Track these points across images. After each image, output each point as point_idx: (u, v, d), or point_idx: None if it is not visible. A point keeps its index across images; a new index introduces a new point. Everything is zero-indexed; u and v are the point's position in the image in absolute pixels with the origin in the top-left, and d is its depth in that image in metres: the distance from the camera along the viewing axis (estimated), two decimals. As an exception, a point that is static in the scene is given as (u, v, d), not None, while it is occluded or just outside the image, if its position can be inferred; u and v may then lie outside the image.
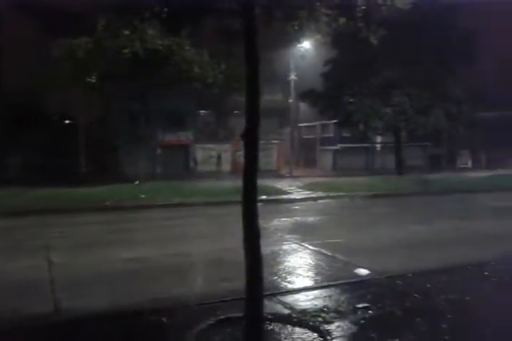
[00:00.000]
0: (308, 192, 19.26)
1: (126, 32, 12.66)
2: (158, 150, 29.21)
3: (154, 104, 24.65)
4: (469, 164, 48.51)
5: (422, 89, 23.22)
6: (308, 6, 4.93)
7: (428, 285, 5.83)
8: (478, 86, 30.83)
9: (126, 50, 17.37)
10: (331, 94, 25.73)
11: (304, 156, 48.43)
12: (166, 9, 5.15)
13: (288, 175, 33.27)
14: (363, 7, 4.85)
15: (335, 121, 30.69)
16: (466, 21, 25.00)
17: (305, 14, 5.23)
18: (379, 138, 38.41)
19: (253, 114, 4.58)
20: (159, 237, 10.10)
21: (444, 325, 4.53)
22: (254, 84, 4.61)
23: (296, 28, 5.44)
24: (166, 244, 9.27)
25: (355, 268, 7.11)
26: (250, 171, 4.46)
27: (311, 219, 13.45)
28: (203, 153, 34.89)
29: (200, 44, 18.92)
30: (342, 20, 5.18)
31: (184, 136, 33.39)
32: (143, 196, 16.64)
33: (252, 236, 4.33)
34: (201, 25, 5.58)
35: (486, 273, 6.36)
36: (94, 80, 20.25)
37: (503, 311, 4.99)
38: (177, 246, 9.08)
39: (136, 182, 20.79)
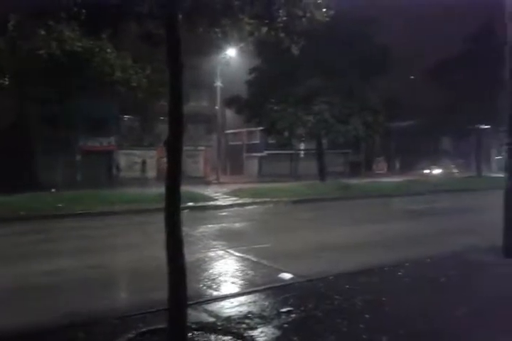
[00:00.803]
0: (235, 199, 19.35)
1: (42, 32, 11.98)
2: (78, 157, 27.88)
3: (74, 108, 23.52)
4: (385, 170, 51.59)
5: (341, 99, 24.33)
6: (230, 14, 4.98)
7: (347, 287, 6.07)
8: (393, 96, 32.91)
9: (41, 51, 16.42)
10: (255, 101, 26.13)
11: (231, 163, 48.65)
12: (84, 11, 4.94)
13: (215, 181, 33.26)
14: (284, 18, 4.98)
15: (261, 128, 31.14)
16: (382, 34, 26.72)
17: (228, 22, 5.27)
18: (303, 145, 39.55)
19: (176, 120, 4.52)
20: (79, 248, 9.59)
21: (362, 325, 4.74)
22: (177, 90, 4.56)
23: (219, 35, 5.47)
24: (87, 254, 8.83)
25: (280, 273, 7.22)
26: (173, 178, 4.39)
27: (237, 225, 13.51)
28: (127, 160, 33.89)
29: (123, 47, 18.39)
30: (264, 29, 5.28)
31: (107, 142, 32.21)
32: (60, 205, 15.75)
33: (175, 243, 4.25)
34: (122, 29, 5.41)
35: (399, 274, 6.75)
36: (6, 82, 18.90)
37: (416, 309, 5.31)
38: (99, 256, 8.68)
39: (53, 190, 19.65)
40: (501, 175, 8.73)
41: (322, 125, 24.39)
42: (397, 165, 53.84)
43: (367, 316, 4.99)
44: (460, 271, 6.93)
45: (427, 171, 45.21)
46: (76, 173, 26.83)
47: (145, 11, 4.85)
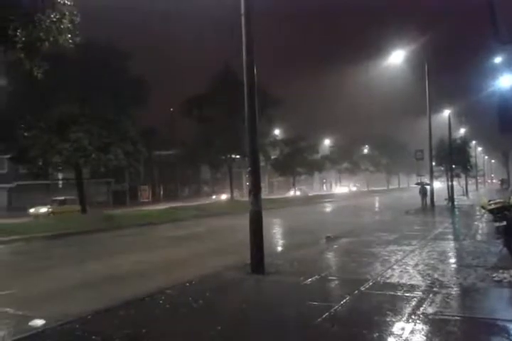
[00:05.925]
0: (-28, 239, 16.39)
1: None
2: None
3: None
4: (149, 198, 52.17)
5: (100, 128, 23.74)
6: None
7: (107, 324, 5.75)
8: (152, 127, 33.87)
9: None
10: (-1, 125, 23.13)
11: (-29, 197, 41.63)
12: None
13: None
14: (23, 38, 4.59)
15: (8, 156, 27.71)
16: (137, 68, 27.47)
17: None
18: (61, 175, 36.85)
19: None
20: None
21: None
22: None
23: None
24: None
25: (30, 320, 6.36)
26: None
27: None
28: None
29: None
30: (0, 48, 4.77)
31: None
32: None
33: None
34: None
35: (160, 302, 6.75)
36: None
37: (175, 336, 5.39)
38: None
39: None
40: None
41: (80, 153, 23.25)
42: (161, 193, 55.12)
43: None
44: (214, 291, 7.32)
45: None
46: None
47: None
